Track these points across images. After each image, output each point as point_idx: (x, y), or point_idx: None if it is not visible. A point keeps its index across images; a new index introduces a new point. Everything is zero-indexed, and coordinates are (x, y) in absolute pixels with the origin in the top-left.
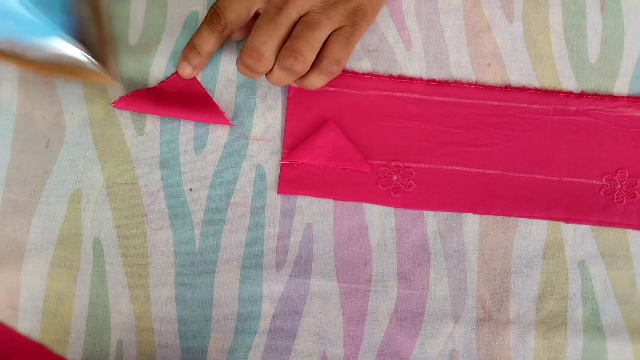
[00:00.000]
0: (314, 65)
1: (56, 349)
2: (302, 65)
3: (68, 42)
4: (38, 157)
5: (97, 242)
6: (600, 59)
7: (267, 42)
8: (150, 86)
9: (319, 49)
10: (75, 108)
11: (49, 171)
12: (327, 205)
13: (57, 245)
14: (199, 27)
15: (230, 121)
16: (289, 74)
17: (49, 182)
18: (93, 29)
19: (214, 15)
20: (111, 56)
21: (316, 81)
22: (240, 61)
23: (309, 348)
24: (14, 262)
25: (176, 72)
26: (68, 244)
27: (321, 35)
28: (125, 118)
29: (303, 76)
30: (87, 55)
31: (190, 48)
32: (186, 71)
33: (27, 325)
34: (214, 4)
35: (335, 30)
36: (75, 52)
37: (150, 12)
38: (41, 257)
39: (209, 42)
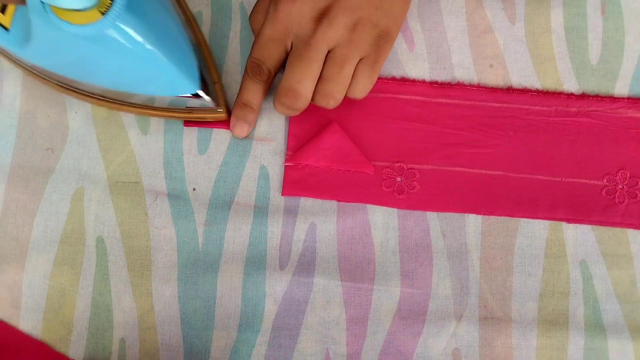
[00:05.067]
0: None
1: (58, 347)
2: (335, 104)
3: (202, 95)
4: (41, 155)
5: (100, 241)
6: (601, 60)
7: (302, 80)
8: None
9: (348, 83)
10: (78, 106)
11: (51, 169)
12: (330, 204)
13: (60, 244)
14: (243, 83)
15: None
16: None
17: (51, 180)
18: (208, 76)
19: (255, 67)
20: (221, 93)
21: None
22: (278, 102)
23: (312, 347)
24: (17, 260)
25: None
26: (71, 242)
27: (349, 70)
28: (129, 117)
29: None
30: (211, 102)
31: (241, 106)
32: (244, 130)
33: (29, 323)
34: (251, 55)
35: (361, 59)
36: (205, 101)
37: None
38: (44, 255)
39: (257, 94)
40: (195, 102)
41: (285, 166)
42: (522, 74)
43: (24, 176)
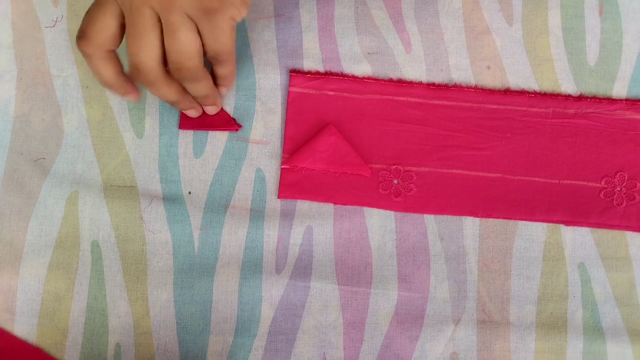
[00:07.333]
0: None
1: (53, 352)
2: (191, 75)
3: None
4: (35, 159)
5: (95, 245)
6: (599, 61)
7: (138, 52)
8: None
9: (192, 48)
10: (73, 110)
11: (46, 173)
12: (327, 207)
13: (54, 248)
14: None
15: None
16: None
17: (46, 183)
18: None
19: (80, 37)
20: None
21: (223, 70)
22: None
23: (309, 351)
24: (11, 265)
25: None
26: (66, 246)
27: (186, 34)
28: (124, 120)
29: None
30: None
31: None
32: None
33: (24, 328)
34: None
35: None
36: None
37: None
38: (39, 260)
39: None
40: None
41: (282, 169)
42: (519, 75)
43: (19, 180)
